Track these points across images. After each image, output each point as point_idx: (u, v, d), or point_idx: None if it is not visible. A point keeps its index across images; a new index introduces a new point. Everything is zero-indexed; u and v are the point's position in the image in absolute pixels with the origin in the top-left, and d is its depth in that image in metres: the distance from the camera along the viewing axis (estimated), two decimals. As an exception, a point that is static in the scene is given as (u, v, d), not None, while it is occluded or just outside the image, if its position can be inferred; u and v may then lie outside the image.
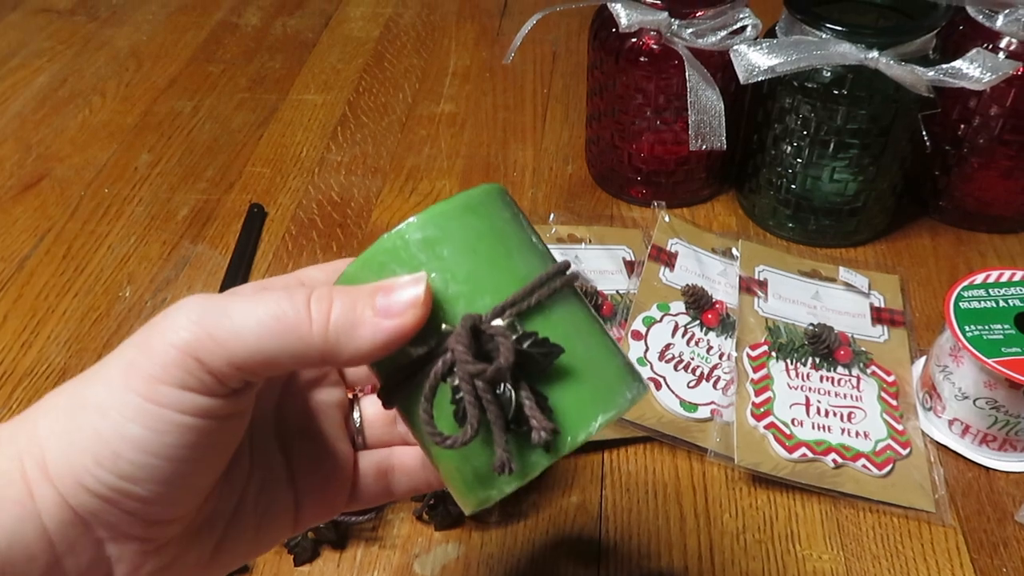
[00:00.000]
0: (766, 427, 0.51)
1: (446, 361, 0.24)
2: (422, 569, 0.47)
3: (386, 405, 0.28)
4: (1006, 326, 0.48)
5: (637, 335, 0.56)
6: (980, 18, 0.58)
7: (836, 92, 0.57)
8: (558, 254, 0.61)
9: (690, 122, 0.61)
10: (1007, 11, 0.57)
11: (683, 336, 0.56)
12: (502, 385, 0.25)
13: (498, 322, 0.25)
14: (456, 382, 0.24)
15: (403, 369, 0.26)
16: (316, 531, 0.46)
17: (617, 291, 0.59)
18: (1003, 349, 0.47)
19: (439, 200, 0.71)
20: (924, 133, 0.58)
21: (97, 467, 0.23)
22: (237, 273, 0.64)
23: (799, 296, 0.59)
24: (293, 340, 0.24)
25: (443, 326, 0.25)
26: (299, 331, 0.24)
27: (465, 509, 0.28)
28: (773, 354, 0.55)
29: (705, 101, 0.60)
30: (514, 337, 0.25)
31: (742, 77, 0.56)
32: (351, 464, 0.32)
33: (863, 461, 0.49)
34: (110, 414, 0.23)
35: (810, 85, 0.57)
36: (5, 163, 0.76)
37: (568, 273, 0.27)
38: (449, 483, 0.28)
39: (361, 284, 0.25)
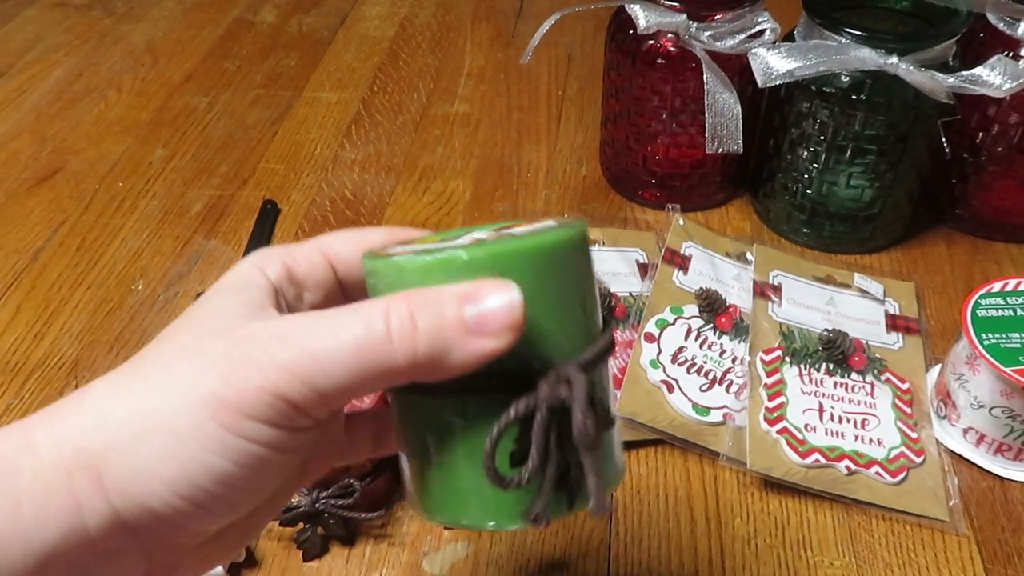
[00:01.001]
0: (779, 432, 0.50)
1: (532, 400, 0.23)
2: (431, 567, 0.46)
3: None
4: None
5: (650, 338, 0.56)
6: (1001, 25, 0.58)
7: (854, 97, 0.56)
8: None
9: (707, 125, 0.61)
10: (1028, 19, 0.57)
11: (696, 339, 0.56)
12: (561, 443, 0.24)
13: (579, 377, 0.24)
14: (527, 419, 0.23)
15: (458, 389, 0.24)
16: (325, 527, 0.46)
17: (630, 293, 0.59)
18: (1020, 358, 0.47)
19: (456, 200, 0.71)
20: (944, 140, 0.57)
21: (170, 494, 0.22)
22: (250, 268, 0.64)
23: (813, 301, 0.59)
24: (378, 366, 0.22)
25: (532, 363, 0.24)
26: (381, 353, 0.22)
27: (421, 512, 0.26)
28: (787, 359, 0.55)
29: (722, 104, 0.60)
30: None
31: (760, 80, 0.56)
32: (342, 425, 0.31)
33: (876, 468, 0.49)
34: (190, 444, 0.22)
35: (828, 90, 0.57)
36: (20, 156, 0.77)
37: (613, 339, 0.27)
38: (426, 489, 0.26)
39: (438, 285, 0.23)
